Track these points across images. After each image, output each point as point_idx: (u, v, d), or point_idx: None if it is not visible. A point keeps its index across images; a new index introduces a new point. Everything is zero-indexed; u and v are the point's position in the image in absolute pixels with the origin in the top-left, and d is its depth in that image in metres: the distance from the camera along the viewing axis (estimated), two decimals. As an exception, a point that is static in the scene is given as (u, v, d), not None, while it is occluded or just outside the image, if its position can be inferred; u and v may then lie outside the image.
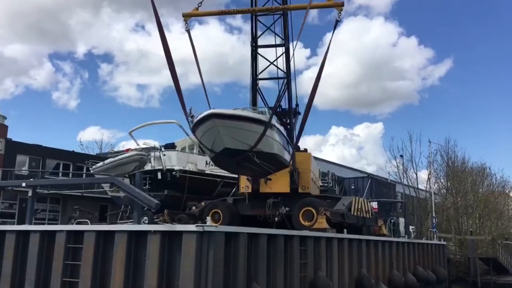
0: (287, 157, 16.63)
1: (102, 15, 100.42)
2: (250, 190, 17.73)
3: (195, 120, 13.63)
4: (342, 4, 15.16)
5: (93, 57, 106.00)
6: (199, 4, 16.83)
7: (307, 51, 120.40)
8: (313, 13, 74.12)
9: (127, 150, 23.32)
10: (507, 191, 46.66)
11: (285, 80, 18.87)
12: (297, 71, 21.03)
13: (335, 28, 15.40)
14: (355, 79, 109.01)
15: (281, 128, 16.52)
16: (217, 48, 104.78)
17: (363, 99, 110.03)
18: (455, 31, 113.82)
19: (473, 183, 40.63)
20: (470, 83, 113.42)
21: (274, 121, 15.52)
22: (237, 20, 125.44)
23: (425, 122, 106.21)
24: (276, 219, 17.19)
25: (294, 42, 16.20)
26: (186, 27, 16.50)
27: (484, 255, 32.79)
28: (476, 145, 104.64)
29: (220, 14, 18.37)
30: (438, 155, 42.42)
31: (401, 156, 40.66)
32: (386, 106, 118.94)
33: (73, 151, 37.30)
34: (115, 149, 35.79)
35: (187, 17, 16.74)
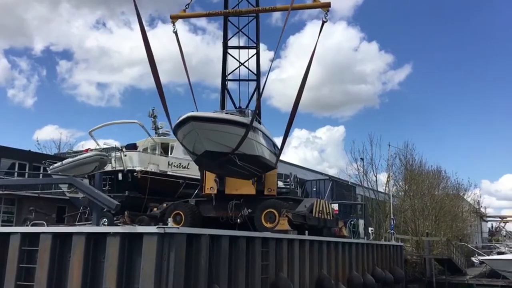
0: (272, 159, 16.62)
1: (60, 10, 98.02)
2: (215, 192, 17.61)
3: (175, 123, 13.42)
4: (329, 5, 15.23)
5: (51, 53, 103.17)
6: (187, 6, 16.92)
7: (271, 54, 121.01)
8: (277, 15, 74.65)
9: (87, 150, 22.81)
10: (461, 194, 48.45)
11: (256, 82, 19.02)
12: (262, 73, 21.36)
13: (321, 29, 15.48)
14: (318, 82, 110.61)
15: (266, 130, 16.53)
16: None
17: (325, 101, 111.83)
18: (415, 38, 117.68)
19: (429, 185, 41.90)
20: (428, 88, 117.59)
21: (257, 123, 15.53)
22: (202, 21, 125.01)
23: (385, 125, 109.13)
24: (238, 220, 17.20)
25: (275, 46, 16.35)
26: (174, 29, 16.46)
27: (439, 255, 33.84)
28: (432, 149, 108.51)
29: (207, 16, 18.31)
30: (397, 159, 43.55)
31: (362, 159, 41.50)
32: (348, 109, 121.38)
33: (29, 150, 36.01)
34: (74, 149, 35.03)
35: (174, 19, 16.73)
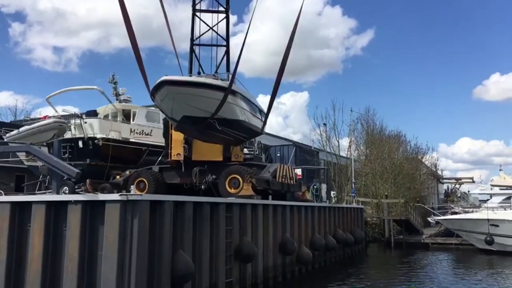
0: (257, 123, 16.40)
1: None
2: (182, 158, 17.45)
3: (151, 88, 12.95)
4: None
5: (2, 15, 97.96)
6: None
7: (234, 18, 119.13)
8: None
9: (45, 117, 22.10)
10: (419, 157, 50.05)
11: (226, 47, 18.72)
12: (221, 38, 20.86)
13: None
14: (281, 46, 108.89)
15: (248, 95, 16.24)
16: (141, 10, 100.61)
17: (289, 66, 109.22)
18: (378, 3, 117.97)
19: (389, 150, 43.05)
20: (389, 53, 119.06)
21: (237, 87, 15.21)
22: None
23: (348, 91, 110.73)
24: (202, 187, 17.26)
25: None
26: None
27: (397, 217, 35.25)
28: (394, 113, 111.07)
29: None
30: (359, 124, 44.45)
31: (325, 124, 41.99)
32: (311, 74, 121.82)
33: (-17, 118, 34.60)
34: (31, 116, 33.84)
35: None
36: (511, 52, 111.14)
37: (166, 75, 12.83)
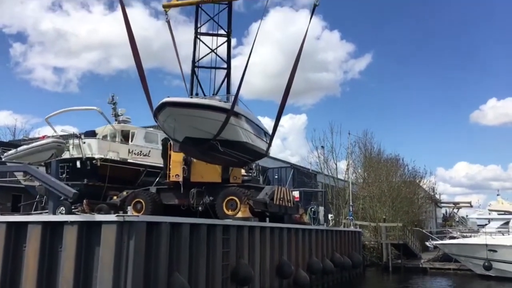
0: (262, 145, 16.43)
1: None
2: (181, 179, 17.40)
3: (154, 109, 13.08)
4: None
5: (4, 36, 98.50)
6: None
7: (233, 41, 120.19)
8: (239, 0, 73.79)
9: (43, 137, 22.17)
10: (417, 181, 50.01)
11: (227, 69, 18.90)
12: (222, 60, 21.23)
13: (312, 13, 15.58)
14: (280, 69, 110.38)
15: (252, 117, 16.32)
16: (141, 32, 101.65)
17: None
18: (376, 28, 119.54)
19: (387, 173, 43.09)
20: (387, 78, 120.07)
21: (240, 109, 15.30)
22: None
23: (346, 114, 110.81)
24: (200, 208, 17.20)
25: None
26: (167, 18, 16.20)
27: (395, 241, 35.02)
28: (391, 137, 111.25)
29: (199, 3, 17.89)
30: (357, 147, 44.56)
31: (322, 147, 42.16)
32: (309, 97, 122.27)
33: (-18, 137, 34.63)
34: (30, 136, 33.91)
35: (167, 8, 16.40)
36: (508, 78, 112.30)
37: (168, 97, 12.97)
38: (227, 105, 14.15)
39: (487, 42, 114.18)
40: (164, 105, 12.69)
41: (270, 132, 17.37)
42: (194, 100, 14.14)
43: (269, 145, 17.32)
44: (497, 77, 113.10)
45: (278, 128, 16.88)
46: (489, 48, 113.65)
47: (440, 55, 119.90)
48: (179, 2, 17.13)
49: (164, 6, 16.55)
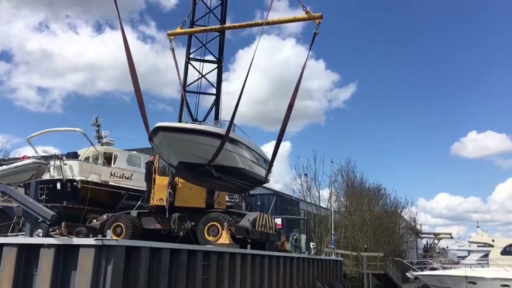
0: (260, 171, 16.36)
1: None
2: (165, 203, 17.07)
3: (149, 133, 13.07)
4: (321, 17, 15.39)
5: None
6: (183, 23, 16.90)
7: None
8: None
9: (24, 157, 21.87)
10: (398, 211, 50.34)
11: (216, 95, 19.02)
12: (212, 86, 21.49)
13: (313, 41, 15.63)
14: (264, 96, 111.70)
15: (250, 143, 16.32)
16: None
17: (271, 116, 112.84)
18: (360, 59, 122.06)
19: (369, 202, 43.33)
20: (370, 108, 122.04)
21: (237, 135, 15.32)
22: (151, 29, 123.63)
23: (329, 142, 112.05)
24: (181, 233, 16.98)
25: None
26: (171, 46, 16.36)
27: (376, 271, 34.93)
28: (374, 167, 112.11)
29: (202, 32, 18.09)
30: (339, 175, 44.82)
31: (306, 174, 42.25)
32: (294, 125, 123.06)
33: (-40, 155, 33.96)
34: (10, 156, 33.36)
35: (171, 36, 16.58)
36: (486, 112, 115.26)
37: (162, 121, 13.02)
38: (222, 131, 14.20)
39: (468, 78, 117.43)
40: (157, 129, 12.71)
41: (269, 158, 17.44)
42: (188, 125, 14.18)
43: (268, 171, 17.30)
44: (477, 111, 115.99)
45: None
46: (469, 85, 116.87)
47: (423, 87, 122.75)
48: (183, 30, 17.35)
49: (168, 34, 16.81)
